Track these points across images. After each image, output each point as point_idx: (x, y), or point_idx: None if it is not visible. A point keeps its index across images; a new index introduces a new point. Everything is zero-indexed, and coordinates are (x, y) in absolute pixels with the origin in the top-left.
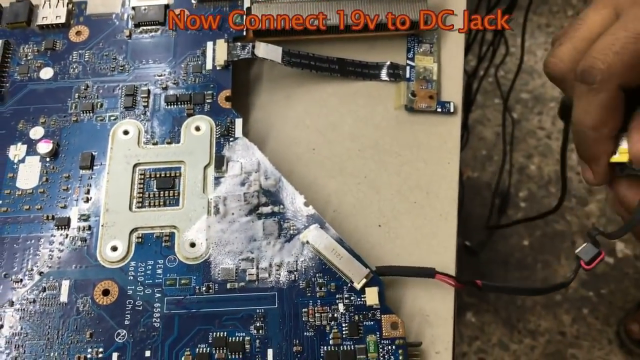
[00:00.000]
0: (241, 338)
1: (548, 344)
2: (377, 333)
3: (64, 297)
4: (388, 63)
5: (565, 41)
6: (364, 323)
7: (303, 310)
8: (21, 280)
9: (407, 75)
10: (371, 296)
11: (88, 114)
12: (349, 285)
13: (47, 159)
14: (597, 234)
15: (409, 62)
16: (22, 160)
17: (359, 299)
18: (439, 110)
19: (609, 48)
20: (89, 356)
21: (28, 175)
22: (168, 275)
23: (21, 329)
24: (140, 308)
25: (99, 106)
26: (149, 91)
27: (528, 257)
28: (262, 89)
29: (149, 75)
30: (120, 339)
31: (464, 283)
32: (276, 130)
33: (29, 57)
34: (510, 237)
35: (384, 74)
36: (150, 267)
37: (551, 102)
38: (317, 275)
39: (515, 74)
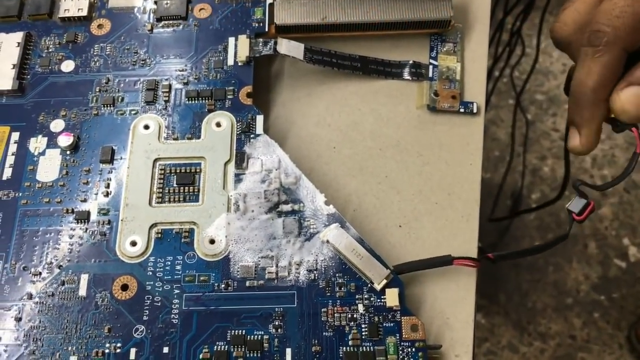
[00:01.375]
0: (260, 336)
1: (558, 347)
2: (397, 335)
3: (82, 291)
4: (411, 62)
5: (569, 5)
6: (384, 324)
7: (322, 309)
8: (40, 274)
9: (430, 75)
10: (391, 297)
11: (109, 108)
12: (369, 285)
13: (68, 152)
14: (580, 184)
15: (431, 61)
16: (43, 153)
17: (378, 300)
18: (462, 110)
19: (610, 12)
20: (106, 351)
21: (48, 168)
22: (187, 271)
23: (39, 322)
24: (159, 304)
25: (119, 100)
26: (170, 86)
27: (539, 260)
28: (283, 86)
29: (170, 70)
30: (138, 334)
31: (479, 260)
32: (297, 127)
33: (50, 50)
34: (521, 239)
35: (406, 73)
36: (169, 263)
37: (566, 103)
38: (336, 274)
39: (528, 74)
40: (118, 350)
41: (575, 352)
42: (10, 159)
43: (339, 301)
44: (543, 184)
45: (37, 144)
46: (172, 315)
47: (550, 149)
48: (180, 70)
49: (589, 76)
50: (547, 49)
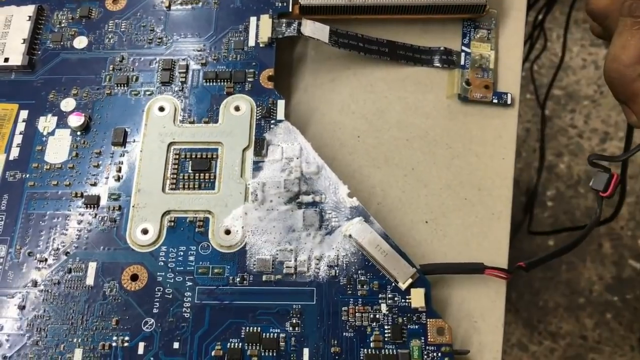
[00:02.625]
0: (276, 334)
1: (568, 347)
2: (422, 338)
3: (90, 280)
4: (441, 48)
5: None
6: (408, 326)
7: (343, 308)
8: (46, 260)
9: (462, 62)
10: (417, 298)
11: (122, 88)
12: (393, 284)
13: (78, 133)
14: (596, 158)
15: (464, 48)
16: (52, 133)
17: (403, 300)
18: (495, 101)
19: None
20: (114, 344)
21: (57, 149)
22: (200, 263)
23: (44, 311)
24: (170, 296)
25: (134, 80)
26: (187, 66)
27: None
28: (305, 70)
29: (188, 50)
30: (147, 328)
31: (512, 271)
32: (319, 114)
33: (62, 25)
34: (535, 237)
35: (436, 60)
36: (182, 254)
37: (585, 100)
38: (359, 271)
39: (555, 70)
40: (126, 344)
41: (586, 353)
42: (18, 139)
43: (360, 300)
44: (559, 181)
45: (46, 123)
46: (184, 309)
47: (567, 146)
48: (198, 50)
49: (625, 50)
50: (567, 44)
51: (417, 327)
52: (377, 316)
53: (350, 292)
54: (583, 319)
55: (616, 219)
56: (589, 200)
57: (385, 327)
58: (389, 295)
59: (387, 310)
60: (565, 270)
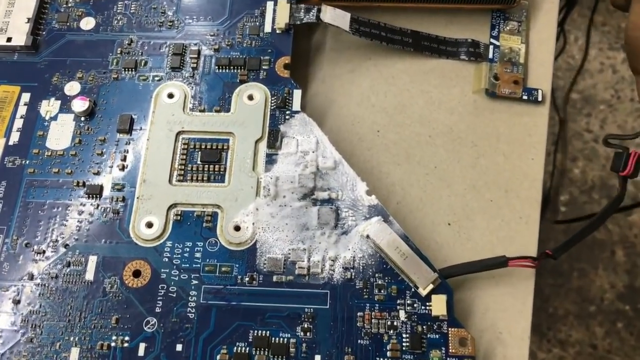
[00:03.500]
0: (286, 339)
1: (578, 355)
2: (443, 349)
3: (89, 275)
4: (469, 40)
5: None
6: (428, 335)
7: (358, 314)
8: (44, 252)
9: (490, 56)
10: (438, 305)
11: (130, 72)
12: (413, 290)
13: (82, 119)
14: (610, 137)
15: (492, 40)
16: (54, 118)
17: (423, 307)
18: (525, 97)
19: None
20: (112, 344)
21: (60, 135)
22: (207, 260)
23: (40, 306)
24: (174, 295)
25: (142, 64)
26: (199, 51)
27: (564, 264)
28: (324, 60)
29: (200, 34)
30: (149, 328)
31: (539, 259)
32: (337, 106)
33: (69, 4)
34: (547, 242)
35: (463, 52)
36: (188, 250)
37: (601, 104)
38: (376, 275)
39: (576, 72)
40: (125, 345)
41: None
42: (19, 123)
43: (377, 305)
44: (572, 186)
45: (49, 107)
46: (188, 309)
47: (582, 150)
48: (211, 35)
49: None
50: (584, 46)
51: (437, 336)
52: (395, 323)
53: (366, 296)
54: (593, 327)
55: (630, 227)
56: (603, 206)
57: (404, 335)
58: (408, 302)
59: (405, 318)
60: (576, 277)
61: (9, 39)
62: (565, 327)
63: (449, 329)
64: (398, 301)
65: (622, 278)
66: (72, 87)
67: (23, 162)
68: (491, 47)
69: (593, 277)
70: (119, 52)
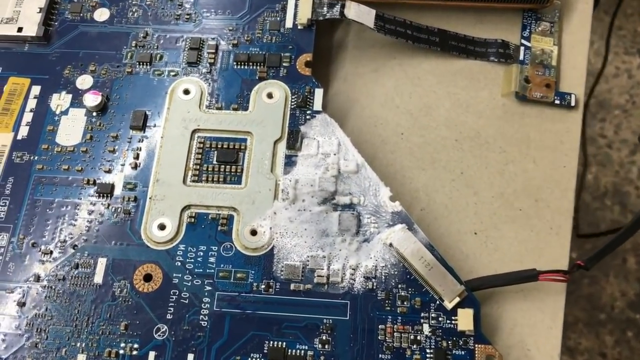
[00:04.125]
0: (303, 351)
1: None
2: None
3: (98, 278)
4: (499, 41)
5: None
6: (453, 351)
7: (380, 326)
8: (51, 253)
9: (521, 58)
10: (464, 320)
11: (145, 67)
12: (438, 302)
13: (94, 114)
14: None
15: (523, 41)
16: (65, 112)
17: (448, 321)
18: (557, 102)
19: None
20: (121, 352)
21: (70, 130)
22: (222, 265)
23: (46, 310)
24: (186, 301)
25: (158, 58)
26: (217, 46)
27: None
28: (346, 58)
29: (219, 28)
30: (159, 335)
31: (570, 272)
32: (359, 107)
33: None
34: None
35: (492, 54)
36: (201, 254)
37: (616, 109)
38: (399, 286)
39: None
40: (135, 352)
41: None
42: (28, 116)
43: (400, 318)
44: (585, 192)
45: (59, 101)
46: (201, 317)
47: (595, 156)
48: (229, 30)
49: None
50: (600, 50)
51: (463, 352)
52: (419, 338)
53: (388, 308)
54: (603, 335)
55: None
56: (615, 213)
57: (427, 350)
58: (433, 315)
59: (429, 332)
60: (586, 284)
61: (19, 29)
62: (575, 335)
63: (476, 345)
64: (422, 314)
65: (633, 286)
66: (84, 81)
67: (32, 157)
68: (522, 48)
69: (604, 285)
70: (133, 45)
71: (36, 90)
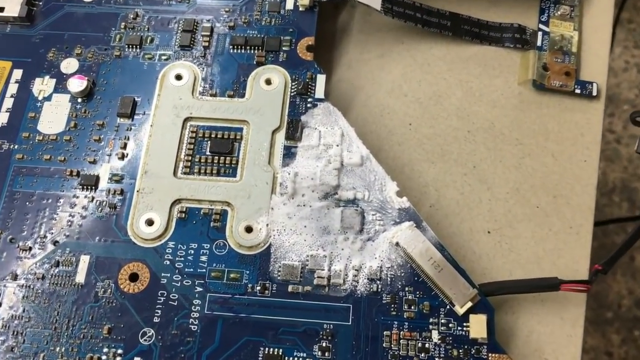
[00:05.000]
0: (301, 359)
1: None
2: None
3: (80, 277)
4: (515, 25)
5: None
6: None
7: (385, 333)
8: (30, 249)
9: (538, 43)
10: (477, 326)
11: (134, 50)
12: (448, 307)
13: (79, 100)
14: (637, 115)
15: (541, 26)
16: (48, 98)
17: (459, 328)
18: (577, 91)
19: None
20: (104, 357)
21: (53, 117)
22: (214, 264)
23: (23, 311)
24: (175, 303)
25: (148, 41)
26: (212, 29)
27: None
28: (350, 42)
29: (214, 9)
30: (145, 340)
31: (592, 281)
32: (364, 95)
33: None
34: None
35: (508, 39)
36: (192, 252)
37: (625, 104)
38: (406, 288)
39: None
40: (118, 358)
41: None
42: (8, 102)
43: (407, 324)
44: None
45: (42, 86)
46: (191, 320)
47: (604, 151)
48: (225, 11)
49: None
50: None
51: None
52: (427, 345)
53: (394, 313)
54: (609, 334)
55: None
56: (623, 209)
57: (436, 359)
58: (442, 321)
59: (439, 339)
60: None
61: (1, 9)
62: None
63: (489, 354)
64: (431, 320)
65: None
66: (69, 65)
67: (11, 146)
68: (540, 33)
69: (610, 283)
70: (122, 27)
71: (18, 74)
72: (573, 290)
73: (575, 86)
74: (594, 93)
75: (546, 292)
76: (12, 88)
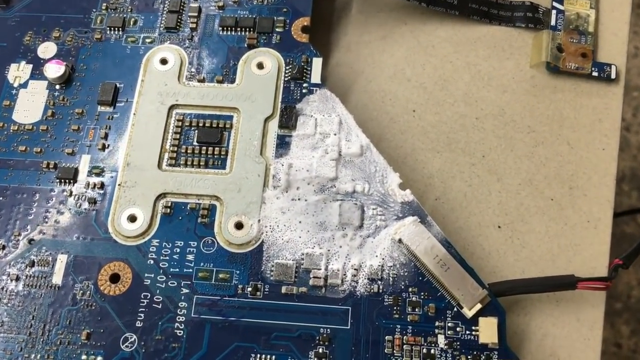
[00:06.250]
0: None
1: (602, 354)
2: None
3: (57, 278)
4: (526, 3)
5: None
6: None
7: (387, 337)
8: (3, 247)
9: (552, 23)
10: (487, 330)
11: (116, 32)
12: (455, 309)
13: (57, 87)
14: None
15: (555, 4)
16: (24, 85)
17: (468, 332)
18: (595, 74)
19: None
20: None
21: (29, 106)
22: (202, 264)
23: None
24: (160, 306)
25: (131, 23)
26: (199, 9)
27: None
28: (349, 24)
29: None
30: (127, 346)
31: (612, 278)
32: (364, 80)
33: None
34: None
35: (519, 18)
36: (178, 250)
37: (634, 91)
38: (410, 289)
39: None
40: None
41: None
42: None
43: (410, 327)
44: None
45: (18, 72)
46: (176, 324)
47: None
48: None
49: None
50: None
51: None
52: (432, 351)
53: (397, 315)
54: (619, 325)
55: None
56: (633, 199)
57: None
58: (449, 324)
59: (445, 344)
60: None
61: None
62: None
63: None
64: (436, 323)
65: None
66: (46, 49)
67: None
68: (554, 12)
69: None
70: (104, 7)
71: None
72: (591, 289)
73: (593, 68)
74: (613, 76)
75: (562, 292)
76: None
